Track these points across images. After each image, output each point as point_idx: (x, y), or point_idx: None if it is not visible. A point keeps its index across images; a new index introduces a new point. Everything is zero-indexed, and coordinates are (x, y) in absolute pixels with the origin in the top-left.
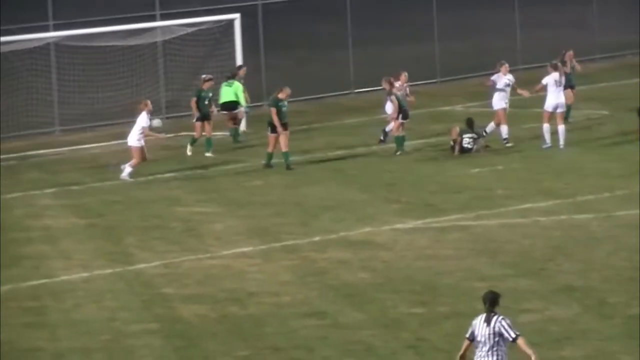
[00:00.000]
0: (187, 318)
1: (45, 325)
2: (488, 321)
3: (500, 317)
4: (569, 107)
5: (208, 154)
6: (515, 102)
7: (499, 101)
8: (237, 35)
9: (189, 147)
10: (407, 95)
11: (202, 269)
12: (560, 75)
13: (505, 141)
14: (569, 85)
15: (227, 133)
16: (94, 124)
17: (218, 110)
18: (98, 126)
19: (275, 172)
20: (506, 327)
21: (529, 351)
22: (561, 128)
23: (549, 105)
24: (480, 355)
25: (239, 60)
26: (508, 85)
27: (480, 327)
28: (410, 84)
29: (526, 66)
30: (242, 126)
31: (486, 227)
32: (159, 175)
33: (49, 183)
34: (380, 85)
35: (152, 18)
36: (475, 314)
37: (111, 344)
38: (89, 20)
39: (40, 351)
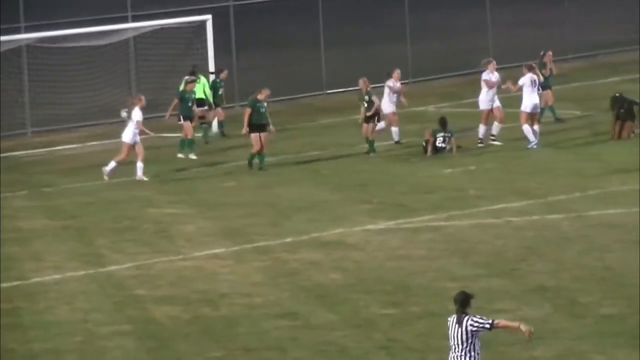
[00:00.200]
0: (159, 319)
1: (18, 327)
2: (459, 322)
3: (470, 317)
4: (551, 107)
5: (191, 155)
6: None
7: (488, 101)
8: (209, 36)
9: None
10: (399, 92)
11: (174, 271)
12: (537, 76)
13: (479, 141)
14: (547, 86)
15: (200, 134)
16: (66, 125)
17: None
18: (71, 127)
19: (248, 173)
20: (479, 322)
21: (514, 324)
22: (535, 128)
23: (526, 106)
24: (454, 357)
25: (211, 61)
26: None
27: (452, 328)
28: (381, 85)
29: (499, 66)
30: (214, 126)
31: (458, 228)
32: (132, 177)
33: (21, 185)
34: (352, 86)
35: (124, 19)
36: (448, 314)
37: (84, 345)
38: (61, 22)
39: (13, 352)
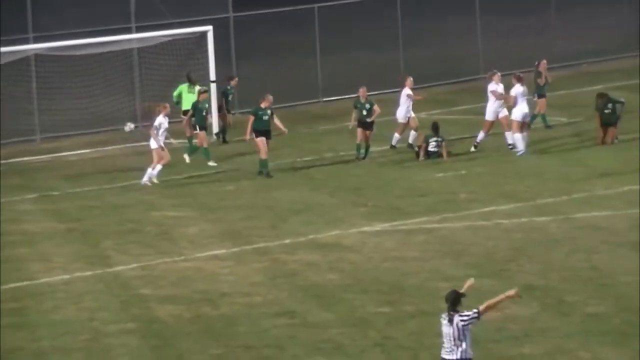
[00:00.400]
0: (162, 318)
1: (27, 325)
2: (450, 320)
3: (459, 314)
4: (543, 115)
5: (210, 163)
6: (477, 109)
7: (494, 112)
8: (210, 46)
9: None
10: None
11: (176, 271)
12: (524, 87)
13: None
14: (542, 94)
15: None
16: (73, 132)
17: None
18: (77, 134)
19: (246, 178)
20: (467, 315)
21: (500, 298)
22: (524, 135)
23: (518, 115)
24: (444, 353)
25: (212, 70)
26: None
27: (444, 325)
28: (376, 92)
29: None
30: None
31: (451, 230)
32: (135, 182)
33: (29, 189)
34: (348, 94)
35: (128, 30)
36: (440, 313)
37: (90, 343)
38: (68, 32)
39: (22, 351)
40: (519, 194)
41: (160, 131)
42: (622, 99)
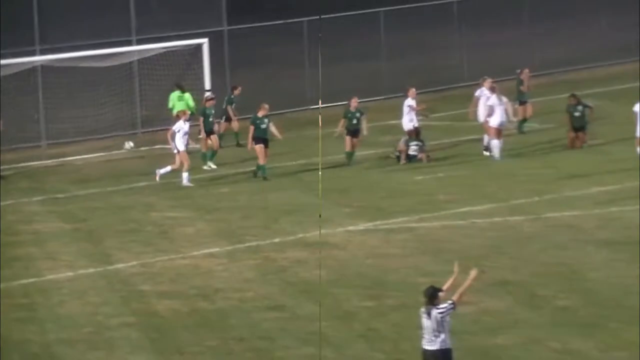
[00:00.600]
0: (161, 312)
1: (35, 319)
2: (429, 314)
3: (435, 307)
4: (523, 120)
5: (211, 165)
6: (458, 115)
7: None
8: (205, 58)
9: (207, 162)
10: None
11: (174, 268)
12: (498, 94)
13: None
14: (524, 101)
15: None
16: (77, 138)
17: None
18: (81, 140)
19: (241, 180)
20: (442, 309)
21: (467, 283)
22: (500, 141)
23: (495, 122)
24: (424, 343)
25: (207, 80)
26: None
27: (424, 319)
28: (361, 100)
29: (471, 82)
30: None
31: (429, 229)
32: (134, 184)
33: (37, 192)
34: (334, 102)
35: (129, 43)
36: (420, 306)
37: (93, 336)
38: (72, 45)
39: (30, 342)
40: (493, 195)
41: (181, 135)
42: (591, 104)
